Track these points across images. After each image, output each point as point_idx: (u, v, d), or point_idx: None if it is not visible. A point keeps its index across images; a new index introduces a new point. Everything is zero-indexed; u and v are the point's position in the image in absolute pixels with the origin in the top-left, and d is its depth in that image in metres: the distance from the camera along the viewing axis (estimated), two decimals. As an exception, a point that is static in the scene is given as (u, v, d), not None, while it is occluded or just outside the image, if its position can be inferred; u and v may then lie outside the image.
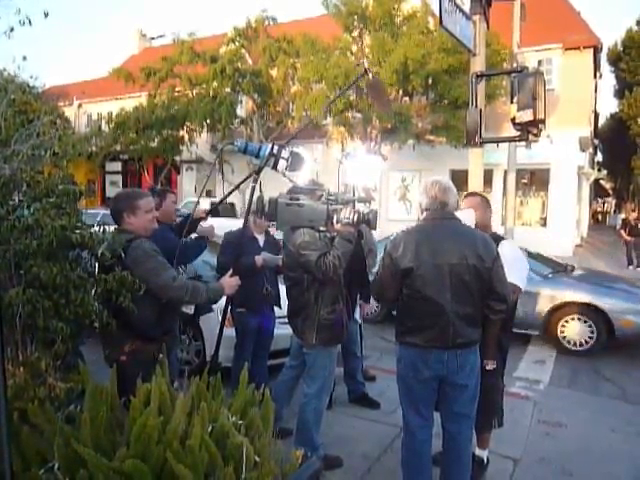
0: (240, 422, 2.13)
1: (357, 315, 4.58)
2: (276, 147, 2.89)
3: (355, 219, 2.95)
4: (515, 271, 3.33)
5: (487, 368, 3.01)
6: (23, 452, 1.94)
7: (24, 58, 3.91)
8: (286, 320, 3.53)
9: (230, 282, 2.90)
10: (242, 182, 3.33)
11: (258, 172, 2.94)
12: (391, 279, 2.79)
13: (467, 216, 3.14)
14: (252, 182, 2.94)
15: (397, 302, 2.87)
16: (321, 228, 3.06)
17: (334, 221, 2.98)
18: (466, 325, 2.72)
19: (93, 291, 2.43)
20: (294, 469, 2.13)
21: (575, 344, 6.48)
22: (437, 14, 4.51)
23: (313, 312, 3.23)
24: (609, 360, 6.17)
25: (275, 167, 2.90)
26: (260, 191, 3.01)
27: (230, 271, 2.97)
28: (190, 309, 3.26)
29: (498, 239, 3.29)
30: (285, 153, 2.89)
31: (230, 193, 3.57)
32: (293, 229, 3.16)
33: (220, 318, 4.92)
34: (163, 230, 3.38)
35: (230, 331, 4.56)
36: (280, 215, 2.91)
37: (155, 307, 2.70)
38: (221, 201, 4.02)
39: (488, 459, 3.52)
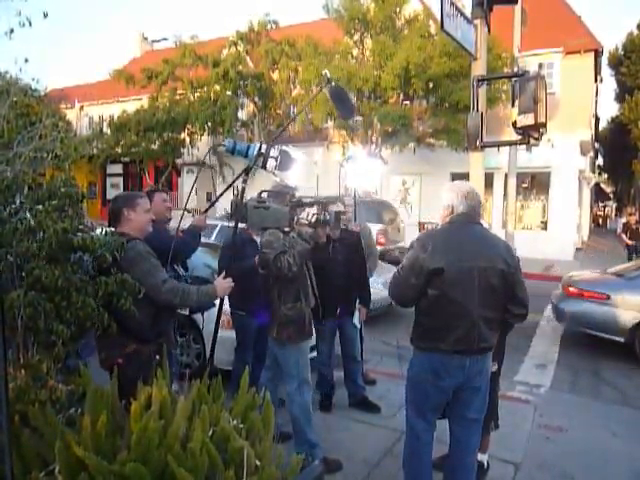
0: (241, 426, 2.13)
1: (355, 319, 4.57)
2: (264, 146, 2.91)
3: (313, 220, 3.18)
4: None
5: (492, 370, 3.03)
6: (24, 455, 1.94)
7: (26, 60, 3.92)
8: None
9: (223, 284, 2.91)
10: (233, 182, 3.33)
11: (247, 172, 2.98)
12: (415, 279, 2.72)
13: None
14: (242, 183, 2.98)
15: (417, 303, 2.81)
16: (286, 229, 3.26)
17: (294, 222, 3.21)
18: (489, 329, 2.73)
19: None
20: (295, 473, 2.12)
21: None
22: (438, 18, 4.52)
23: (277, 308, 3.42)
24: (610, 364, 6.15)
25: (264, 166, 2.93)
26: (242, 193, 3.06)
27: (223, 273, 2.99)
28: (186, 310, 3.30)
29: None
30: (274, 152, 2.92)
31: (222, 194, 3.57)
32: (263, 230, 3.37)
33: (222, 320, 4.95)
34: (157, 229, 3.39)
35: (230, 333, 4.56)
36: (250, 217, 3.07)
37: (151, 309, 2.70)
38: (213, 202, 3.99)
39: (489, 463, 3.51)
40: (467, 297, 2.66)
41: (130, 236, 2.72)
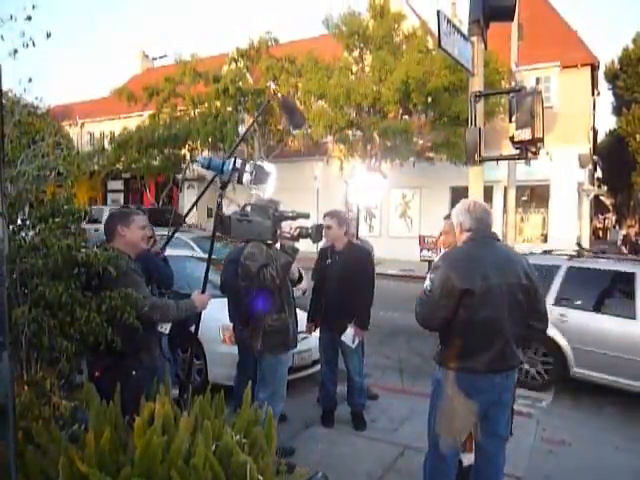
0: (244, 441, 2.13)
1: (345, 338, 4.30)
2: (239, 161, 2.98)
3: (296, 234, 3.27)
4: None
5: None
6: (28, 471, 1.95)
7: (30, 80, 3.98)
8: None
9: (201, 298, 2.96)
10: (199, 197, 3.38)
11: (223, 187, 3.05)
12: (447, 300, 2.64)
13: None
14: (218, 197, 3.05)
15: (448, 324, 2.71)
16: (269, 242, 3.33)
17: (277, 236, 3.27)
18: (516, 346, 2.73)
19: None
20: (298, 487, 2.13)
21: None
22: (435, 34, 4.58)
23: (262, 318, 3.49)
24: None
25: (240, 181, 3.01)
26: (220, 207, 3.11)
27: (201, 287, 3.02)
28: (165, 328, 3.34)
29: None
30: (249, 167, 3.00)
31: (190, 210, 3.59)
32: (246, 242, 3.48)
33: (222, 335, 4.97)
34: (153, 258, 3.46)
35: (232, 349, 4.55)
36: (233, 230, 3.14)
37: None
38: (174, 232, 3.92)
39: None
40: (498, 315, 2.64)
41: (120, 252, 2.74)
